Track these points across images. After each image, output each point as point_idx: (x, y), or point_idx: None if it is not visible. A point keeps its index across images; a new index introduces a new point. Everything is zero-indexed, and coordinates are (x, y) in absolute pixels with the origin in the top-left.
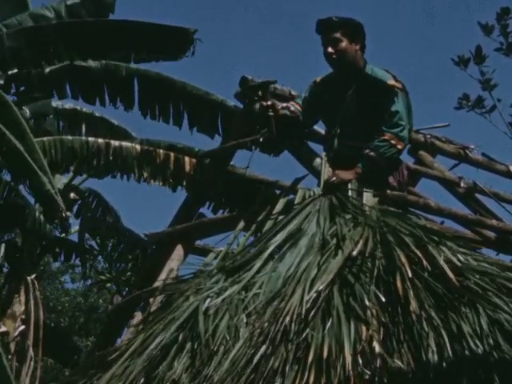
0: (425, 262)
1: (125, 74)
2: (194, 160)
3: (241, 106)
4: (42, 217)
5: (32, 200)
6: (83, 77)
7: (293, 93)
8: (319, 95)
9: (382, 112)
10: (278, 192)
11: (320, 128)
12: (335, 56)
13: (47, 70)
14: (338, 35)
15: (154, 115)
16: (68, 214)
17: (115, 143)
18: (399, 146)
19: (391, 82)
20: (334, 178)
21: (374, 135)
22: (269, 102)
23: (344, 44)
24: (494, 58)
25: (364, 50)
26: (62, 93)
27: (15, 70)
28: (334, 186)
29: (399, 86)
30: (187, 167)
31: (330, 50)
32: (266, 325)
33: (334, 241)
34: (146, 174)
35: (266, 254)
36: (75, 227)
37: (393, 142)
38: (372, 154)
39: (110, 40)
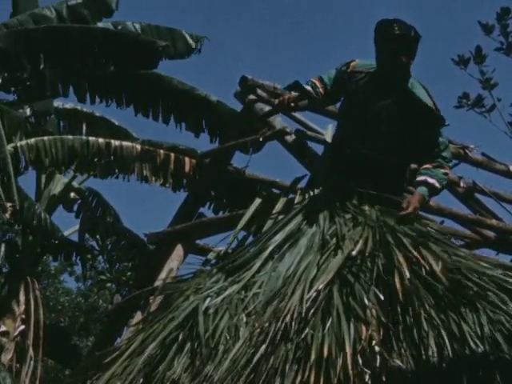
0: (422, 263)
1: (113, 70)
2: (193, 160)
3: (236, 105)
4: (46, 216)
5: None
6: (73, 74)
7: (293, 93)
8: (346, 84)
9: (421, 134)
10: (278, 192)
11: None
12: (389, 68)
13: (39, 68)
14: (397, 49)
15: (145, 113)
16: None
17: (116, 143)
18: (448, 173)
19: (434, 108)
20: (410, 210)
21: (406, 154)
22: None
23: (403, 60)
24: (494, 57)
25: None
26: (55, 91)
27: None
28: (410, 220)
29: (438, 113)
30: (187, 167)
31: (386, 60)
32: (266, 324)
33: (334, 241)
34: (146, 174)
35: (265, 254)
36: (75, 227)
37: (447, 171)
38: (437, 185)
39: (94, 49)
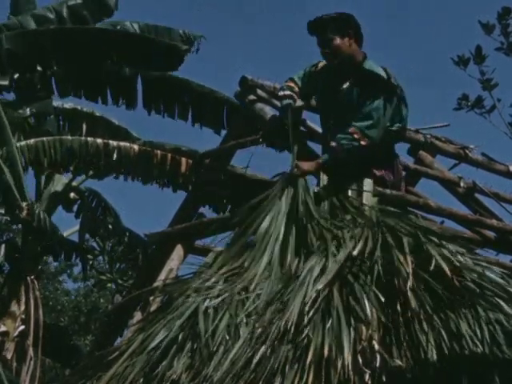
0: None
1: (128, 73)
2: (189, 160)
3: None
4: (45, 216)
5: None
6: (86, 75)
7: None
8: (315, 82)
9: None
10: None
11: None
12: (330, 55)
13: (45, 70)
14: (328, 34)
15: (158, 113)
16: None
17: (114, 143)
18: (362, 142)
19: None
20: (296, 170)
21: None
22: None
23: (336, 41)
24: (494, 57)
25: (361, 41)
26: (65, 91)
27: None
28: (295, 177)
29: (389, 83)
30: (183, 167)
31: (324, 50)
32: (266, 325)
33: (335, 240)
34: (144, 174)
35: (266, 254)
36: (75, 227)
37: (355, 136)
38: (333, 144)
39: (104, 49)
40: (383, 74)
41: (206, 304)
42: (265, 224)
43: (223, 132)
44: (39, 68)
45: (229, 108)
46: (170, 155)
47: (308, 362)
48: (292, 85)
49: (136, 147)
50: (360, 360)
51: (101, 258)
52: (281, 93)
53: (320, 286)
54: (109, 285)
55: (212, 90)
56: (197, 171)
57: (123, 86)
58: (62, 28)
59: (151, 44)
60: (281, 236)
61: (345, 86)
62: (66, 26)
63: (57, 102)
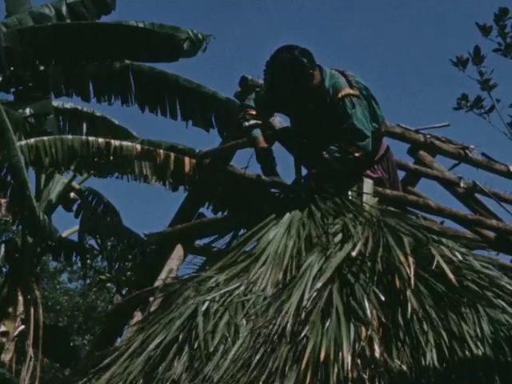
0: (413, 268)
1: (119, 68)
2: (193, 160)
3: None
4: (45, 216)
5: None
6: (78, 73)
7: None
8: (273, 100)
9: (341, 124)
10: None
11: None
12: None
13: (42, 68)
14: (288, 88)
15: (151, 109)
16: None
17: (115, 142)
18: (356, 154)
19: (344, 91)
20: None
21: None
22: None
23: (287, 91)
24: (492, 58)
25: (313, 61)
26: (58, 91)
27: (13, 69)
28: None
29: (354, 92)
30: (187, 167)
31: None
32: (265, 325)
33: (336, 239)
34: (145, 174)
35: (265, 254)
36: (75, 227)
37: (350, 149)
38: (326, 155)
39: (104, 44)
40: (341, 83)
41: (205, 304)
42: (271, 233)
43: (211, 130)
44: (37, 65)
45: (216, 104)
46: (173, 155)
47: (307, 363)
48: (253, 112)
49: (138, 146)
50: (359, 360)
51: (100, 257)
52: (245, 123)
53: (319, 285)
54: (108, 284)
55: (199, 85)
56: (200, 171)
57: (117, 82)
58: (60, 24)
59: (149, 35)
60: (283, 238)
61: (309, 106)
62: (63, 22)
63: (57, 102)
